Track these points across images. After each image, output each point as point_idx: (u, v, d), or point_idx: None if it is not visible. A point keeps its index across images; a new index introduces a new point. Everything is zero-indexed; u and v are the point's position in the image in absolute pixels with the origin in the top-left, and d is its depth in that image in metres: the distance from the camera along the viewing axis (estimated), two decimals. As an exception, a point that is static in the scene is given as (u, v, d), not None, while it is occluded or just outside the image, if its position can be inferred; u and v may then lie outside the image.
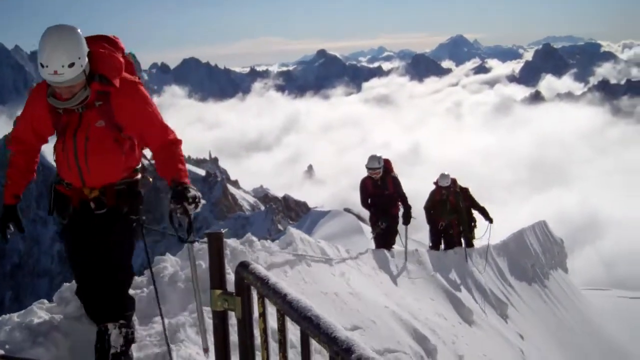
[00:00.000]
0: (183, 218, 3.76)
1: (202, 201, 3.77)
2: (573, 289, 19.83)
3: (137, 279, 5.15)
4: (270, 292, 2.61)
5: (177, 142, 3.93)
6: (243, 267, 2.93)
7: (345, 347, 2.02)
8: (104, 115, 3.66)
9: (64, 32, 3.38)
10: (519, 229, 18.63)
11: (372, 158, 11.07)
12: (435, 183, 13.18)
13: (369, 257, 9.00)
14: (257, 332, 2.96)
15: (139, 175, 4.06)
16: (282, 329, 2.62)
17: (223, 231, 3.26)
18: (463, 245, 13.29)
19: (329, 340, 2.12)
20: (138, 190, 4.03)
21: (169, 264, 5.38)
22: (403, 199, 11.23)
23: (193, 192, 3.71)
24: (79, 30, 3.45)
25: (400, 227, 11.46)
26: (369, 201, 11.32)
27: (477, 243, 14.38)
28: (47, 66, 3.33)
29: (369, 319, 5.93)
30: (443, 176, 13.03)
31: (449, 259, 12.14)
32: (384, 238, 11.21)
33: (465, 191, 14.05)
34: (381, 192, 11.11)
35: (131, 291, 4.19)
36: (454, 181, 13.13)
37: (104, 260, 3.76)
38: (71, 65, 3.35)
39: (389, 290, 7.99)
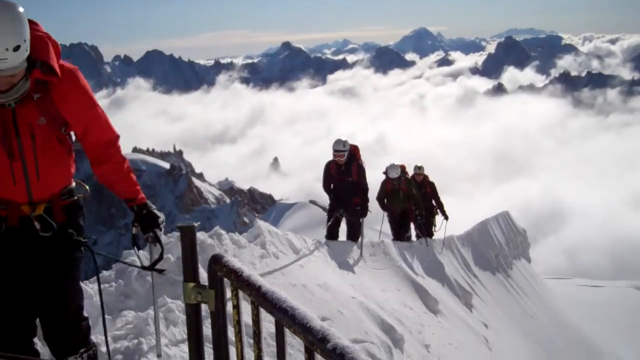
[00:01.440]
0: (154, 246, 3.45)
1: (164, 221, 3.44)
2: (536, 278, 20.21)
3: (104, 274, 5.13)
4: (244, 284, 2.63)
5: (118, 143, 3.41)
6: (216, 260, 2.93)
7: (320, 336, 2.04)
8: (43, 110, 3.07)
9: (6, 9, 2.74)
10: (483, 219, 18.87)
11: (338, 141, 10.71)
12: (385, 173, 13.04)
13: (335, 249, 9.07)
14: (230, 325, 2.97)
15: (74, 184, 3.38)
16: (256, 320, 2.64)
17: (195, 224, 3.20)
18: (420, 231, 13.41)
19: (305, 330, 2.13)
20: (81, 204, 3.40)
21: (137, 258, 5.34)
22: (363, 189, 10.77)
23: (159, 214, 3.38)
24: (21, 8, 2.83)
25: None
26: (331, 186, 10.94)
27: (439, 234, 14.60)
28: None
29: (337, 309, 5.99)
30: (392, 167, 12.89)
31: (414, 250, 12.29)
32: (348, 231, 10.97)
33: (431, 184, 14.31)
34: (344, 178, 10.68)
35: (97, 286, 4.16)
36: (402, 169, 13.09)
37: (56, 299, 3.18)
38: (16, 48, 2.75)
39: (355, 281, 8.05)
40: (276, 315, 2.36)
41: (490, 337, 10.84)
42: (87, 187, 3.46)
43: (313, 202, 68.50)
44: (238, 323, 2.81)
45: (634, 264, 76.22)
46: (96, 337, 3.52)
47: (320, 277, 6.80)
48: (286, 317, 2.27)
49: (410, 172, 14.07)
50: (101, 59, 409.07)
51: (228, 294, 2.93)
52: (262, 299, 2.47)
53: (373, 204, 11.42)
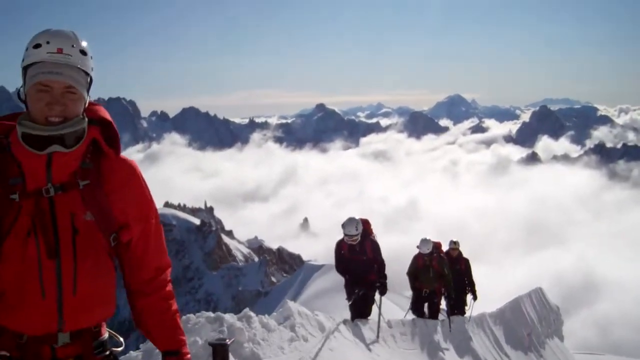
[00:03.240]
0: None
1: None
2: (568, 357, 19.58)
3: (132, 354, 5.02)
4: None
5: (169, 274, 2.68)
6: None
7: None
8: (91, 203, 2.34)
9: (80, 39, 2.37)
10: (515, 296, 18.44)
11: (350, 222, 9.95)
12: (418, 247, 12.69)
13: (364, 329, 8.87)
14: None
15: (107, 334, 2.57)
16: None
17: (229, 342, 3.00)
18: (446, 312, 13.07)
19: None
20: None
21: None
22: (380, 266, 10.16)
23: None
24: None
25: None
26: (345, 267, 10.32)
27: (469, 312, 14.27)
28: (48, 43, 2.28)
29: (366, 397, 5.79)
30: (424, 242, 12.55)
31: (445, 328, 12.01)
32: (360, 306, 10.24)
33: (466, 261, 14.08)
34: (358, 257, 10.06)
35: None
36: (437, 246, 12.83)
37: None
38: (83, 52, 2.33)
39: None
40: None
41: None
42: (122, 340, 2.66)
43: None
44: None
45: (671, 342, 73.82)
46: None
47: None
48: None
49: (445, 247, 13.86)
50: (138, 114, 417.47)
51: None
52: None
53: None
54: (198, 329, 5.10)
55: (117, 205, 2.40)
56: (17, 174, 2.29)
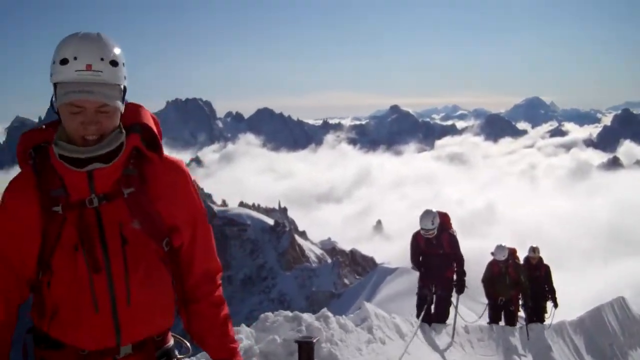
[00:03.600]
0: None
1: None
2: (654, 371, 18.79)
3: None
4: None
5: (220, 279, 2.55)
6: None
7: None
8: (137, 210, 2.25)
9: (101, 35, 2.21)
10: (597, 304, 17.83)
11: (426, 215, 9.58)
12: (492, 254, 12.36)
13: (440, 332, 8.74)
14: None
15: (172, 341, 2.54)
16: None
17: (314, 340, 2.98)
18: (524, 320, 12.72)
19: None
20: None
21: (244, 335, 5.28)
22: (459, 261, 9.77)
23: None
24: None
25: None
26: (420, 260, 9.96)
27: (549, 320, 13.91)
28: (75, 59, 2.11)
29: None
30: (499, 249, 12.19)
31: (523, 335, 11.73)
32: (437, 308, 9.79)
33: (546, 268, 13.71)
34: (435, 251, 9.70)
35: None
36: (512, 252, 12.45)
37: None
38: (114, 63, 2.15)
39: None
40: None
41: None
42: (189, 345, 2.60)
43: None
44: None
45: None
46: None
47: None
48: None
49: (522, 253, 13.54)
50: (214, 114, 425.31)
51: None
52: None
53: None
54: (276, 327, 5.13)
55: (165, 210, 2.29)
56: (59, 186, 2.21)
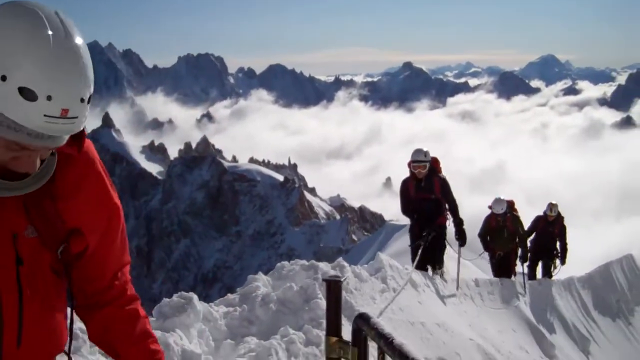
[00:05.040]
0: None
1: None
2: (659, 327, 18.99)
3: (229, 297, 5.21)
4: (395, 353, 2.50)
5: (128, 273, 2.11)
6: (363, 320, 2.85)
7: None
8: (35, 213, 1.74)
9: (84, 48, 1.57)
10: (605, 261, 17.94)
11: (418, 150, 9.17)
12: (490, 207, 12.09)
13: (445, 284, 8.86)
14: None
15: None
16: None
17: (343, 279, 3.05)
18: (523, 275, 12.64)
19: None
20: None
21: (261, 283, 5.41)
22: (453, 208, 9.24)
23: None
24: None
25: (450, 240, 9.66)
26: (412, 207, 9.36)
27: (570, 272, 14.04)
28: (49, 99, 1.47)
29: (454, 351, 5.83)
30: (497, 201, 11.92)
31: (532, 290, 11.86)
32: (432, 253, 9.13)
33: (562, 227, 13.71)
34: (426, 196, 9.17)
35: (223, 309, 4.29)
36: (510, 205, 12.22)
37: None
38: (89, 99, 1.58)
39: (472, 320, 7.81)
40: None
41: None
42: None
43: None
44: None
45: None
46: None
47: (439, 316, 6.65)
48: None
49: (533, 213, 13.55)
50: (226, 70, 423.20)
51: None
52: None
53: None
54: (292, 275, 5.26)
55: (69, 210, 1.79)
56: None
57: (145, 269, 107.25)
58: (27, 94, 1.45)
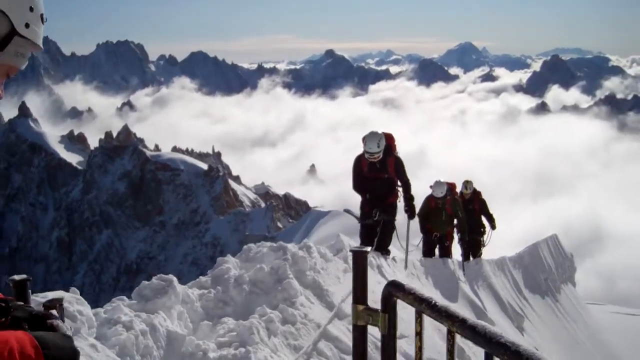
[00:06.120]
0: None
1: None
2: (582, 304, 19.91)
3: (201, 279, 5.20)
4: (442, 315, 2.58)
5: None
6: (396, 287, 2.95)
7: None
8: None
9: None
10: (534, 242, 18.65)
11: (372, 137, 8.92)
12: (431, 188, 12.21)
13: (401, 264, 9.03)
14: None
15: None
16: (451, 350, 2.59)
17: (368, 250, 3.15)
18: (461, 255, 12.88)
19: None
20: None
21: (231, 265, 5.41)
22: (406, 186, 9.19)
23: None
24: None
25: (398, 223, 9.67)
26: (364, 185, 9.24)
27: (488, 254, 14.45)
28: (43, 17, 1.70)
29: (413, 329, 5.93)
30: (438, 184, 12.05)
31: (469, 269, 12.21)
32: (380, 232, 9.03)
33: (481, 201, 14.04)
34: (379, 175, 9.04)
35: (196, 291, 4.28)
36: (451, 188, 12.48)
37: None
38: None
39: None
40: (492, 349, 2.24)
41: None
42: None
43: (348, 212, 68.23)
44: (420, 350, 2.81)
45: (674, 295, 74.59)
46: (204, 342, 3.58)
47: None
48: (507, 352, 2.13)
49: (460, 188, 13.77)
50: (146, 58, 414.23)
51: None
52: (470, 332, 2.38)
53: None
54: (261, 257, 5.30)
55: None
56: None
57: (67, 261, 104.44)
58: (43, 18, 1.64)
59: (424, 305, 2.68)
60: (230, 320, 4.55)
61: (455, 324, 2.46)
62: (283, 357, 4.19)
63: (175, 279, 4.57)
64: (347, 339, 4.71)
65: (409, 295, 2.80)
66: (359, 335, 3.23)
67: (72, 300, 3.82)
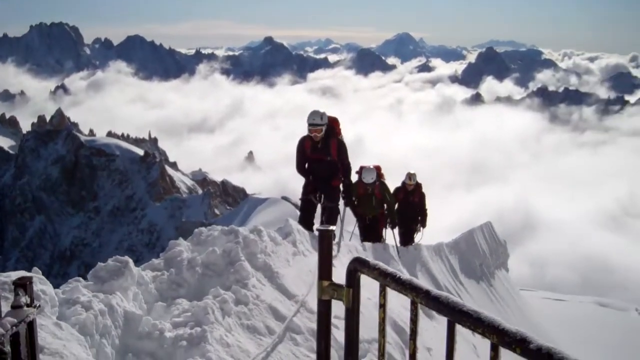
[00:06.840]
0: None
1: None
2: (514, 289, 20.62)
3: (154, 262, 5.24)
4: (407, 287, 2.69)
5: None
6: (360, 263, 3.10)
7: (519, 337, 2.08)
8: None
9: None
10: (470, 229, 19.14)
11: (315, 112, 9.04)
12: (358, 173, 12.16)
13: (335, 248, 9.17)
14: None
15: None
16: (414, 320, 2.70)
17: (332, 228, 3.32)
18: (395, 239, 13.06)
19: (497, 331, 2.19)
20: None
21: (183, 248, 5.46)
22: (346, 170, 9.31)
23: None
24: None
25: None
26: (306, 167, 9.39)
27: (426, 240, 14.75)
28: None
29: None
30: (367, 171, 12.06)
31: (408, 255, 12.50)
32: (325, 219, 9.22)
33: (421, 195, 14.34)
34: (321, 157, 9.17)
35: (150, 273, 4.33)
36: (378, 170, 12.37)
37: None
38: None
39: (365, 280, 8.08)
40: (455, 317, 2.37)
41: (478, 343, 11.03)
42: None
43: (285, 199, 68.70)
44: (383, 321, 2.94)
45: (599, 281, 77.76)
46: (160, 322, 3.66)
47: (343, 276, 6.91)
48: (470, 319, 2.29)
49: (394, 184, 13.98)
50: (81, 41, 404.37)
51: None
52: (435, 303, 2.50)
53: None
54: (212, 240, 5.37)
55: None
56: None
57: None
58: None
59: (388, 279, 2.83)
60: (184, 301, 4.65)
61: (420, 296, 2.57)
62: (237, 336, 4.31)
63: (131, 261, 4.63)
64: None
65: (374, 270, 2.95)
66: (324, 309, 3.39)
67: (36, 280, 3.87)
